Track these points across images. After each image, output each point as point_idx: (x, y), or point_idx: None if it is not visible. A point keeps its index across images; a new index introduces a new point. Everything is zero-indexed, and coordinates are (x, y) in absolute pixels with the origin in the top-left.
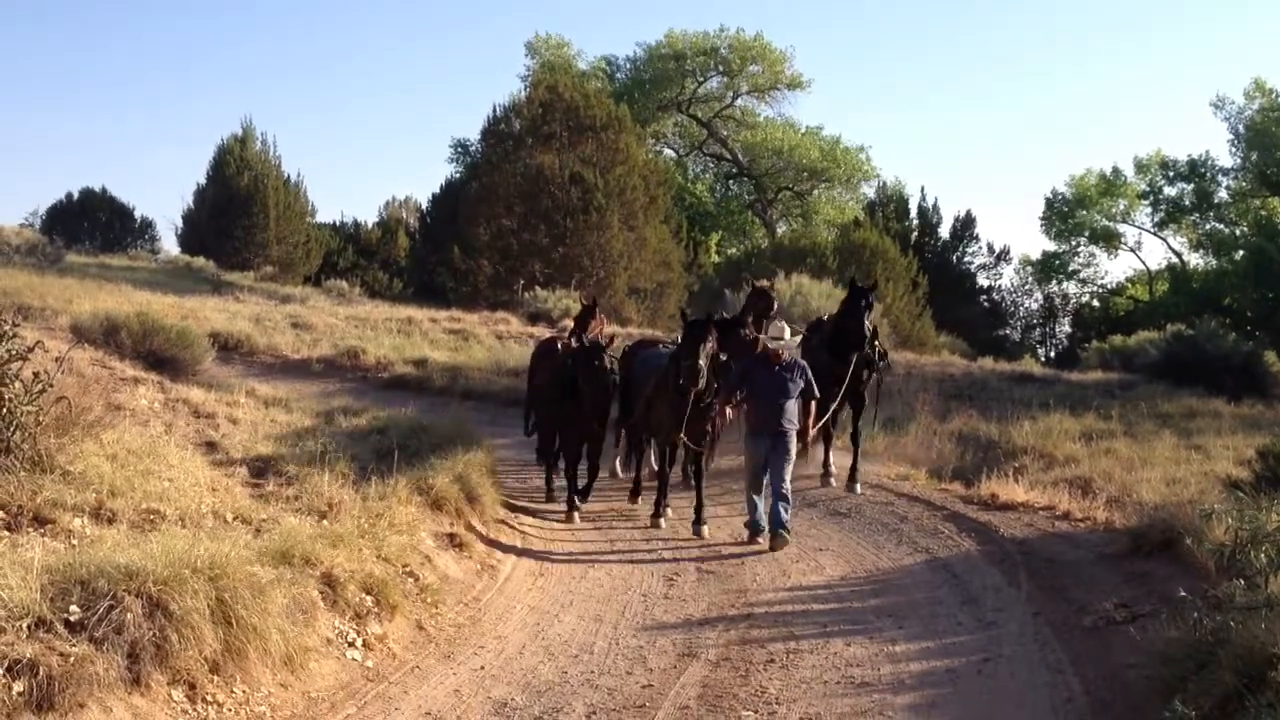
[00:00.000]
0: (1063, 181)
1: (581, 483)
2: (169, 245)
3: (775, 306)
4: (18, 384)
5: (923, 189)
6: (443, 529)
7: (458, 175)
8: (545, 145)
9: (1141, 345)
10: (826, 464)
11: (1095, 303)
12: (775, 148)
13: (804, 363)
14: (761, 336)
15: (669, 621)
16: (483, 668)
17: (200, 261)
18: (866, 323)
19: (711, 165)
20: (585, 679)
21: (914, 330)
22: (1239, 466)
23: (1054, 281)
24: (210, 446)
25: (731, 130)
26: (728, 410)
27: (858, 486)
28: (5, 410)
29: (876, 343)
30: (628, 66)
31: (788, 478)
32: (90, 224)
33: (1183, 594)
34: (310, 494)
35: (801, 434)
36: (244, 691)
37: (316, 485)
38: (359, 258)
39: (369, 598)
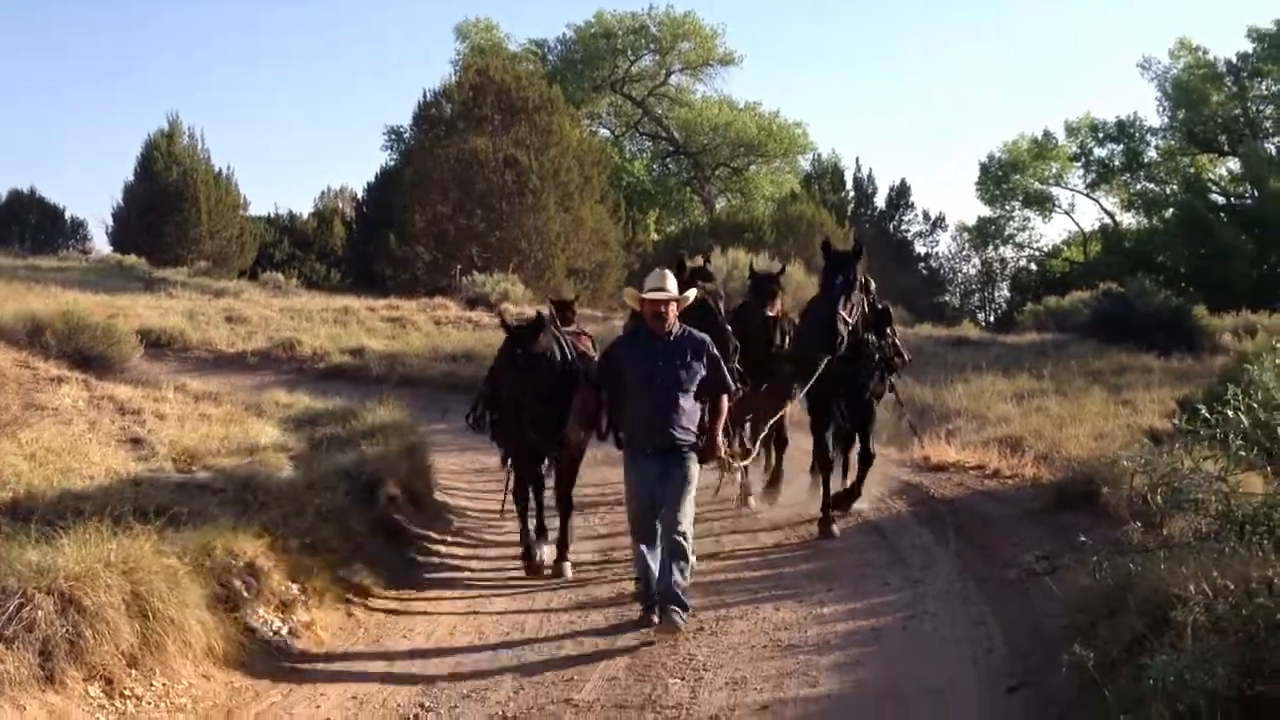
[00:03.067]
0: (996, 147)
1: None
2: (101, 245)
3: (779, 295)
4: None
5: (857, 160)
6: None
7: (393, 163)
8: (478, 129)
9: (1075, 305)
10: (828, 504)
11: (1033, 266)
12: (711, 124)
13: (703, 336)
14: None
15: (601, 597)
16: (413, 650)
17: (132, 259)
18: (841, 308)
19: (648, 144)
20: (514, 657)
21: None
22: (1164, 419)
23: (991, 246)
24: (136, 443)
25: (666, 108)
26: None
27: (863, 504)
28: None
29: (889, 334)
30: (559, 48)
31: (687, 518)
32: (19, 226)
33: (1083, 540)
34: (236, 485)
35: (706, 449)
36: (164, 684)
37: (244, 477)
38: (295, 249)
39: (294, 586)
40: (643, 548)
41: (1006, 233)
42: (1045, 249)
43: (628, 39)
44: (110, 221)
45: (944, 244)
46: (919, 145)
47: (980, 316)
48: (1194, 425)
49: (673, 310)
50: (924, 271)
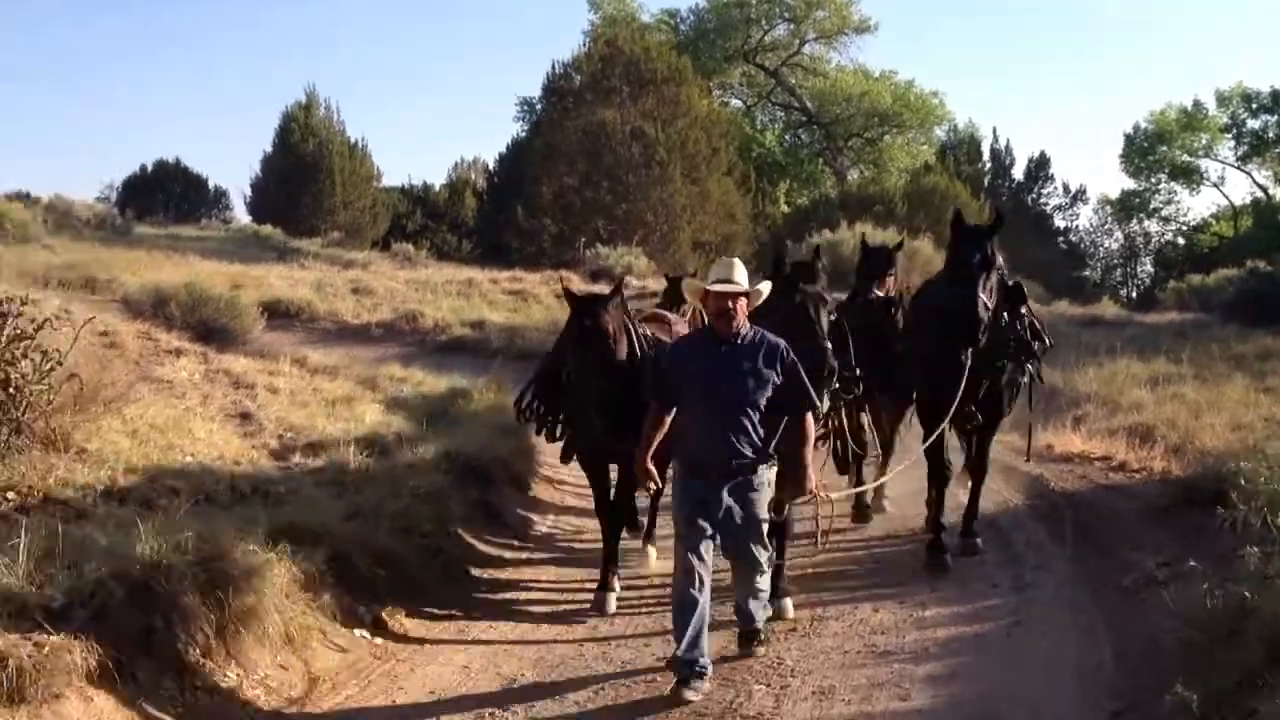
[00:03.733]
0: (1142, 118)
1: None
2: (241, 215)
3: (893, 269)
4: (25, 362)
5: (995, 131)
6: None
7: (524, 134)
8: (606, 100)
9: (1220, 283)
10: (938, 513)
11: (1179, 240)
12: (845, 94)
13: (778, 341)
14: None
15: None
16: (494, 642)
17: (268, 229)
18: (981, 291)
19: (780, 114)
20: (600, 654)
21: None
22: None
23: (1134, 220)
24: (244, 418)
25: (799, 78)
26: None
27: (978, 542)
28: (13, 390)
29: (1024, 314)
30: (691, 18)
31: (761, 555)
32: (164, 195)
33: (1193, 564)
34: (335, 465)
35: (795, 482)
36: (238, 675)
37: (343, 456)
38: (427, 220)
39: (381, 572)
40: (691, 593)
41: (1151, 206)
42: (1192, 223)
43: (761, 7)
44: (249, 192)
45: (1085, 218)
46: (1061, 116)
47: (1121, 293)
48: None
49: (742, 307)
50: (1063, 246)
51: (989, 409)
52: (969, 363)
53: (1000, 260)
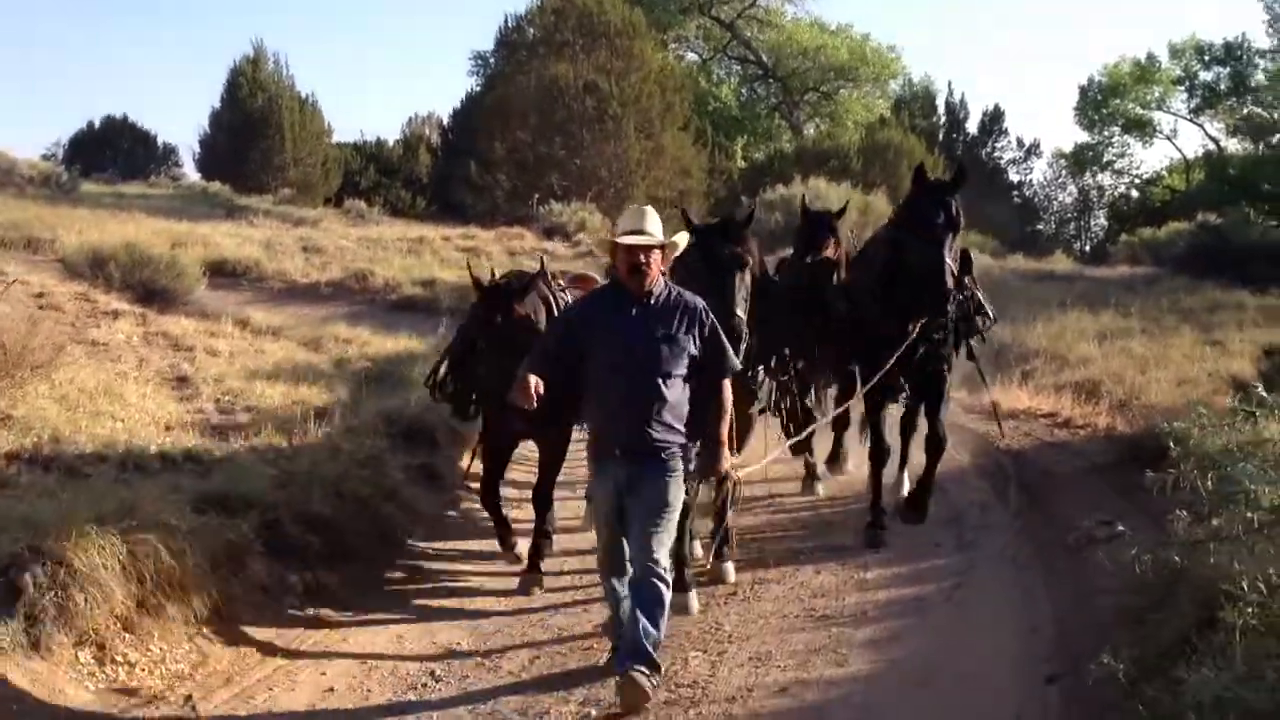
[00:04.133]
0: (1096, 70)
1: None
2: (191, 172)
3: (831, 240)
4: None
5: (949, 84)
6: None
7: (478, 89)
8: (559, 54)
9: (1171, 237)
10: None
11: (1132, 193)
12: (801, 48)
13: (697, 300)
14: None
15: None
16: (429, 609)
17: (216, 186)
18: (948, 255)
19: (736, 68)
20: (537, 620)
21: None
22: (1253, 363)
23: (1088, 174)
24: (181, 381)
25: (755, 31)
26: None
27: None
28: None
29: (968, 284)
30: None
31: (663, 547)
32: (112, 152)
33: (1121, 529)
34: (272, 430)
35: (706, 461)
36: (161, 649)
37: (280, 420)
38: (381, 176)
39: (314, 539)
40: (613, 581)
41: (1105, 159)
42: (1145, 176)
43: None
44: (197, 148)
45: (1039, 172)
46: (1014, 69)
47: (1075, 247)
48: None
49: (656, 261)
50: (1017, 200)
51: (930, 383)
52: (914, 333)
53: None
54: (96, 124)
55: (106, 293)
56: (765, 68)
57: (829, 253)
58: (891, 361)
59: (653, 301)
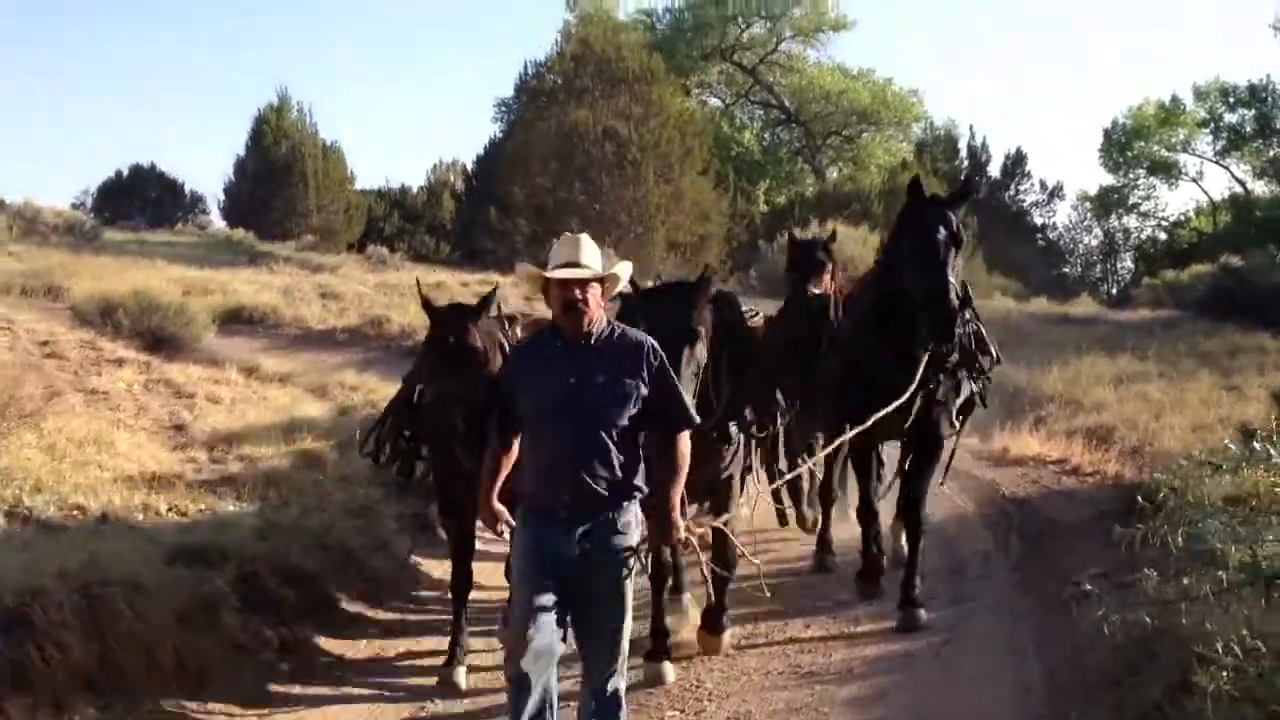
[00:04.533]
0: (1120, 113)
1: None
2: (217, 219)
3: (827, 266)
4: None
5: (971, 128)
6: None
7: (501, 135)
8: (579, 100)
9: (1194, 279)
10: (873, 560)
11: (1161, 235)
12: (823, 92)
13: (643, 340)
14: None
15: None
16: (410, 667)
17: (240, 234)
18: (951, 274)
19: (759, 113)
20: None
21: (963, 272)
22: (1271, 407)
23: (1113, 216)
24: (178, 429)
25: (777, 76)
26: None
27: (919, 614)
28: None
29: (968, 316)
30: (668, 16)
31: (622, 654)
32: (140, 200)
33: (1088, 588)
34: (261, 479)
35: (658, 526)
36: (124, 708)
37: (272, 470)
38: (405, 222)
39: (289, 593)
40: (519, 677)
41: (1130, 202)
42: (1171, 219)
43: (738, 5)
44: (222, 196)
45: (1063, 214)
46: (1038, 112)
47: (1101, 289)
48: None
49: (595, 298)
50: (1041, 243)
51: (922, 436)
52: (922, 365)
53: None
54: (125, 172)
55: (114, 340)
56: (788, 112)
57: (825, 283)
58: (902, 401)
59: (593, 342)
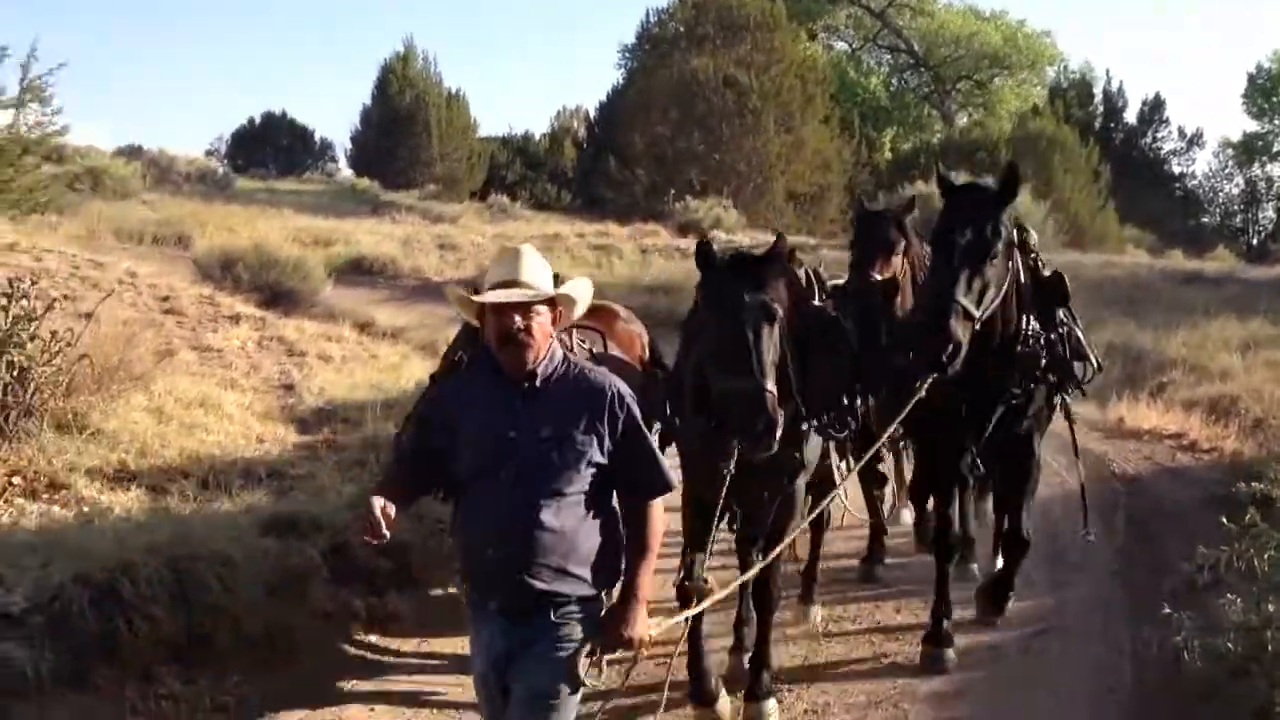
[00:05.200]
0: (1265, 57)
1: None
2: (345, 167)
3: (897, 246)
4: (31, 344)
5: (1108, 72)
6: None
7: (623, 82)
8: (699, 48)
9: None
10: (942, 608)
11: None
12: (953, 35)
13: (615, 388)
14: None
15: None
16: None
17: (365, 183)
18: (963, 296)
19: (886, 57)
20: None
21: (1094, 225)
22: None
23: (1256, 164)
24: (287, 389)
25: (906, 19)
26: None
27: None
28: (17, 372)
29: (1062, 321)
30: None
31: None
32: (272, 148)
33: (1167, 610)
34: (362, 443)
35: (611, 625)
36: (210, 680)
37: (373, 433)
38: (527, 170)
39: (385, 563)
40: None
41: (1275, 149)
42: None
43: None
44: (349, 145)
45: (1203, 163)
46: (1178, 57)
47: (1241, 241)
48: None
49: (543, 328)
50: (1179, 193)
51: (1012, 457)
52: (940, 388)
53: (1033, 237)
54: (257, 120)
55: (232, 294)
56: (916, 56)
57: (887, 271)
58: (903, 415)
59: (539, 384)
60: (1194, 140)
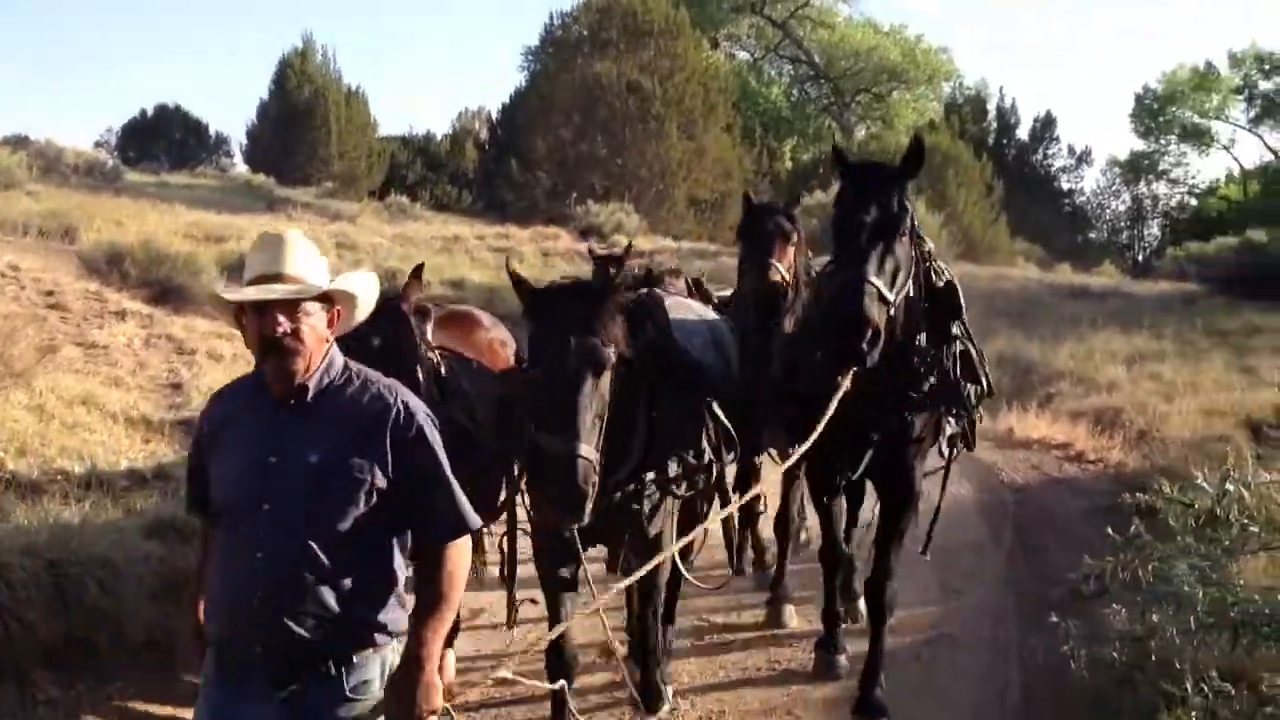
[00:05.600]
0: (1153, 78)
1: None
2: (240, 162)
3: (792, 236)
4: None
5: (1001, 90)
6: None
7: (526, 85)
8: (603, 53)
9: (1219, 252)
10: (832, 621)
11: (1192, 201)
12: (854, 48)
13: (403, 400)
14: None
15: None
16: None
17: (260, 179)
18: (875, 277)
19: (788, 68)
20: None
21: (985, 238)
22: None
23: (1143, 182)
24: (175, 388)
25: (808, 31)
26: None
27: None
28: None
29: (955, 335)
30: None
31: None
32: (164, 141)
33: (1054, 619)
34: None
35: (404, 689)
36: (90, 684)
37: None
38: (428, 171)
39: None
40: None
41: (1160, 168)
42: (1201, 186)
43: None
44: (244, 140)
45: (1091, 180)
46: (1069, 76)
47: (1127, 256)
48: None
49: (314, 329)
50: (1068, 208)
51: (891, 479)
52: (844, 385)
53: (929, 241)
54: (149, 112)
55: (120, 290)
56: (816, 68)
57: (785, 259)
58: (820, 428)
59: (310, 399)
60: (1083, 158)
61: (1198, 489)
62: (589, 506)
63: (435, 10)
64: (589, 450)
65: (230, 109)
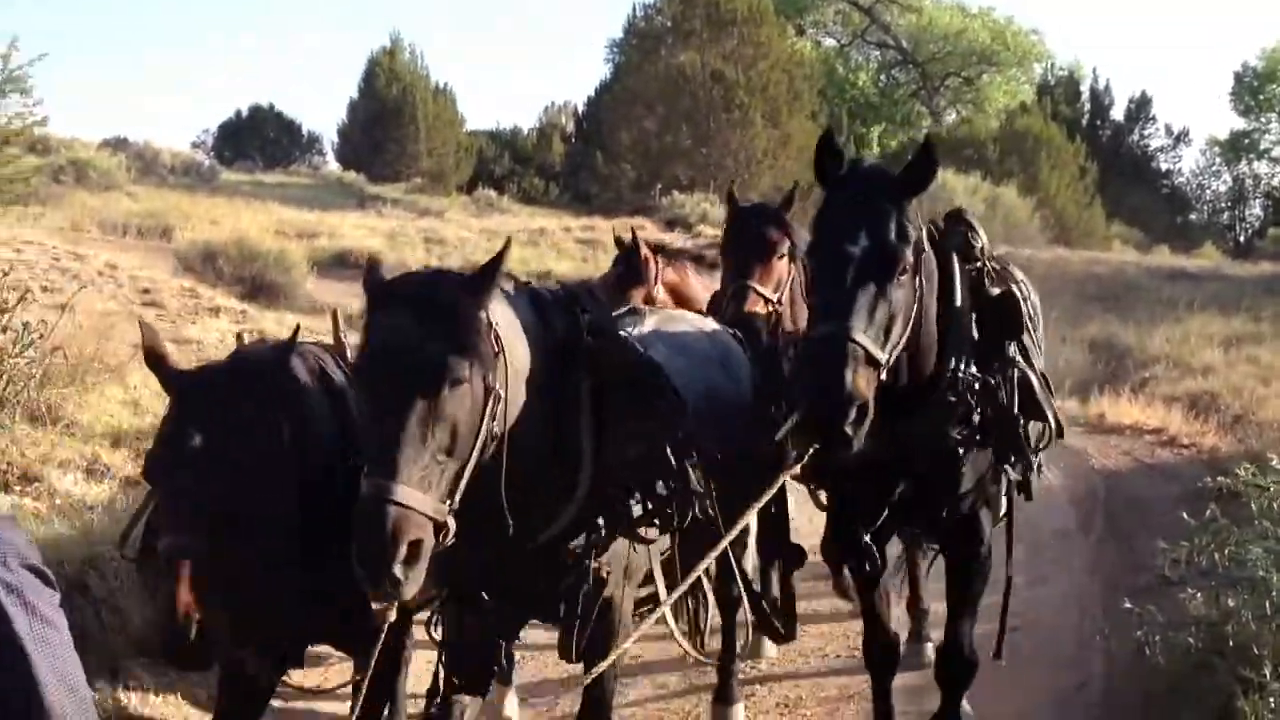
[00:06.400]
0: (1253, 55)
1: None
2: (332, 160)
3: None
4: (2, 335)
5: (1094, 70)
6: None
7: (610, 77)
8: (686, 43)
9: None
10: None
11: None
12: (942, 32)
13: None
14: None
15: None
16: None
17: (351, 176)
18: (862, 333)
19: (875, 54)
20: None
21: (1080, 221)
22: None
23: (1243, 161)
24: None
25: (895, 15)
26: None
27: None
28: None
29: (1013, 358)
30: None
31: None
32: (259, 141)
33: (1128, 605)
34: None
35: None
36: (179, 674)
37: None
38: (515, 164)
39: None
40: None
41: (1262, 147)
42: None
43: None
44: (336, 138)
45: (1190, 160)
46: (1165, 55)
47: (1228, 237)
48: None
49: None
50: (1166, 190)
51: (949, 535)
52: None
53: (981, 238)
54: (244, 112)
55: (214, 287)
56: (904, 53)
57: (768, 282)
58: (774, 489)
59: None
60: (1181, 138)
61: (1275, 472)
62: (410, 575)
63: (521, 5)
64: (410, 494)
65: (323, 108)
